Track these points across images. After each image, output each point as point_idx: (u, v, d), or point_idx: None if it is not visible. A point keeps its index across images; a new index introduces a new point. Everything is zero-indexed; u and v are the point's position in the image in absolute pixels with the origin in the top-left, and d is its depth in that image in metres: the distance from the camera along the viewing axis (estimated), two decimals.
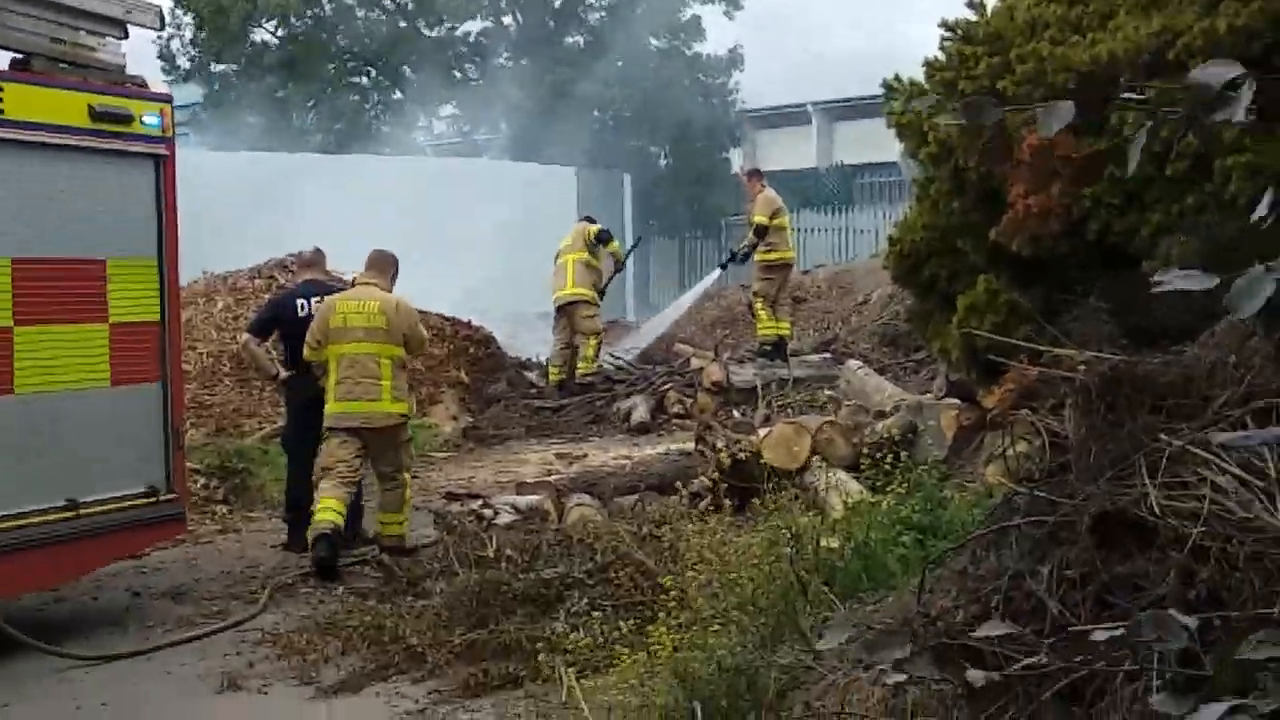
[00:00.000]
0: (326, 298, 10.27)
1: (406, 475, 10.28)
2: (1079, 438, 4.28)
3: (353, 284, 10.50)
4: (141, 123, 8.19)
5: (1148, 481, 3.81)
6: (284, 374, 10.74)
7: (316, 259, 11.18)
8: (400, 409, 10.09)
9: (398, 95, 35.17)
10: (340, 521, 9.64)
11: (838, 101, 39.33)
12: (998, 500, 5.02)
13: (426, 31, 34.24)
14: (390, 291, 10.29)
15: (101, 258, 8.07)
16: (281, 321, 10.69)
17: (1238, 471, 3.71)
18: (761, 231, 17.49)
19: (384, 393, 9.90)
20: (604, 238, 17.83)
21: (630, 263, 28.37)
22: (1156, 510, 3.72)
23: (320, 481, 10.08)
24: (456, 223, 22.19)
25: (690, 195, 34.15)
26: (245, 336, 11.11)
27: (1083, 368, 4.51)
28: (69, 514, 7.81)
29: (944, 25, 7.58)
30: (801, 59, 37.91)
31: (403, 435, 10.28)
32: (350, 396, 9.87)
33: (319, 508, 9.64)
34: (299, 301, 10.60)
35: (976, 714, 3.71)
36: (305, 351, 10.10)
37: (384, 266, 10.42)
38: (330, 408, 9.96)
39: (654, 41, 34.69)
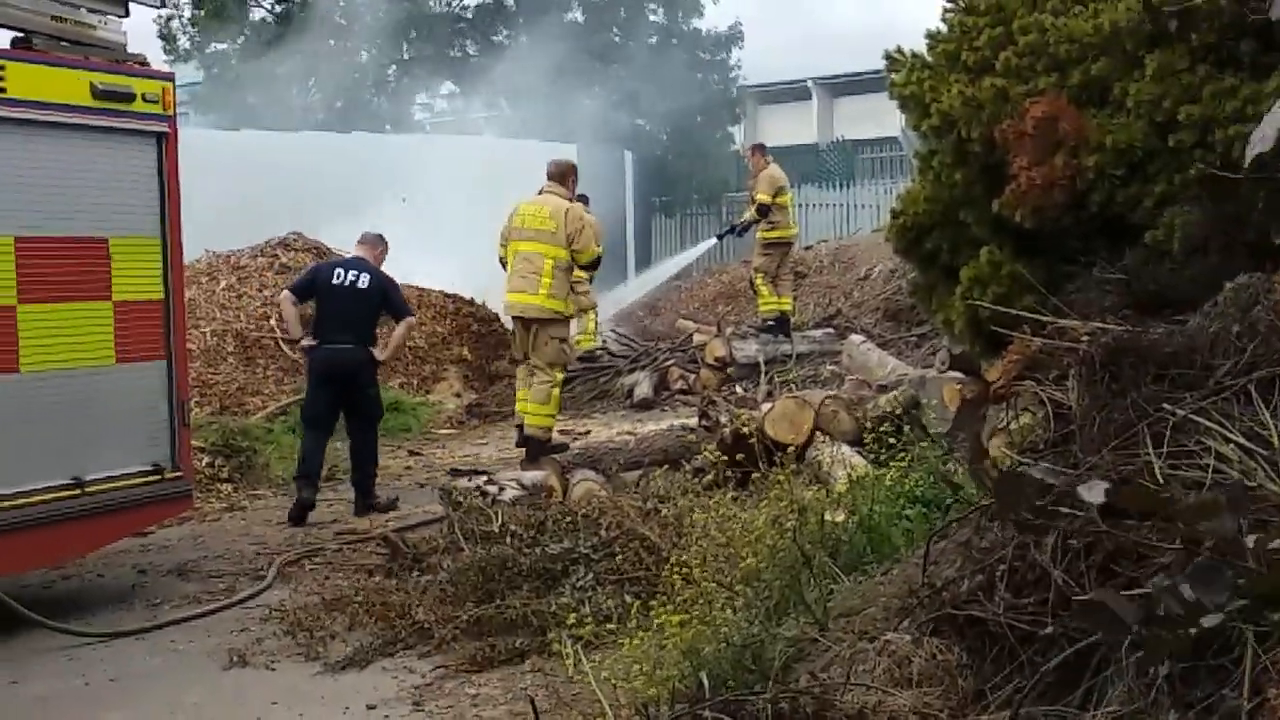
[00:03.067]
0: (516, 201, 11.66)
1: (558, 374, 11.59)
2: (1082, 408, 4.29)
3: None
4: (143, 101, 8.18)
5: (1151, 451, 3.81)
6: (307, 341, 10.94)
7: (373, 241, 11.35)
8: (555, 305, 11.34)
9: (397, 72, 35.04)
10: (539, 426, 11.47)
11: (838, 77, 39.23)
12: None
13: (427, 7, 34.14)
14: (572, 195, 11.65)
15: (104, 236, 8.07)
16: (317, 286, 11.03)
17: (1241, 440, 3.72)
18: (764, 210, 17.43)
19: (541, 288, 11.24)
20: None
21: (631, 239, 28.36)
22: (1161, 479, 3.73)
23: (519, 371, 11.93)
24: (456, 201, 22.14)
25: (691, 171, 34.06)
26: (285, 293, 11.56)
27: (1086, 338, 4.52)
28: (75, 492, 7.83)
29: None
30: (802, 34, 37.76)
31: (556, 330, 11.45)
32: (515, 289, 11.42)
33: (528, 418, 11.55)
34: (337, 270, 10.97)
35: (982, 683, 3.73)
36: (498, 249, 11.73)
37: (563, 175, 11.70)
38: (505, 298, 11.69)
39: (653, 17, 34.56)
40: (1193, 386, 4.02)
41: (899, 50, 7.78)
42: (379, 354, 11.00)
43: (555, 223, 11.26)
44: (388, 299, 10.98)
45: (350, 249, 15.75)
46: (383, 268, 11.12)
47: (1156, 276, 5.91)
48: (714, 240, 24.12)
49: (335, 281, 10.80)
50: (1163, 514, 2.62)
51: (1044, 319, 5.08)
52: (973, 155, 7.02)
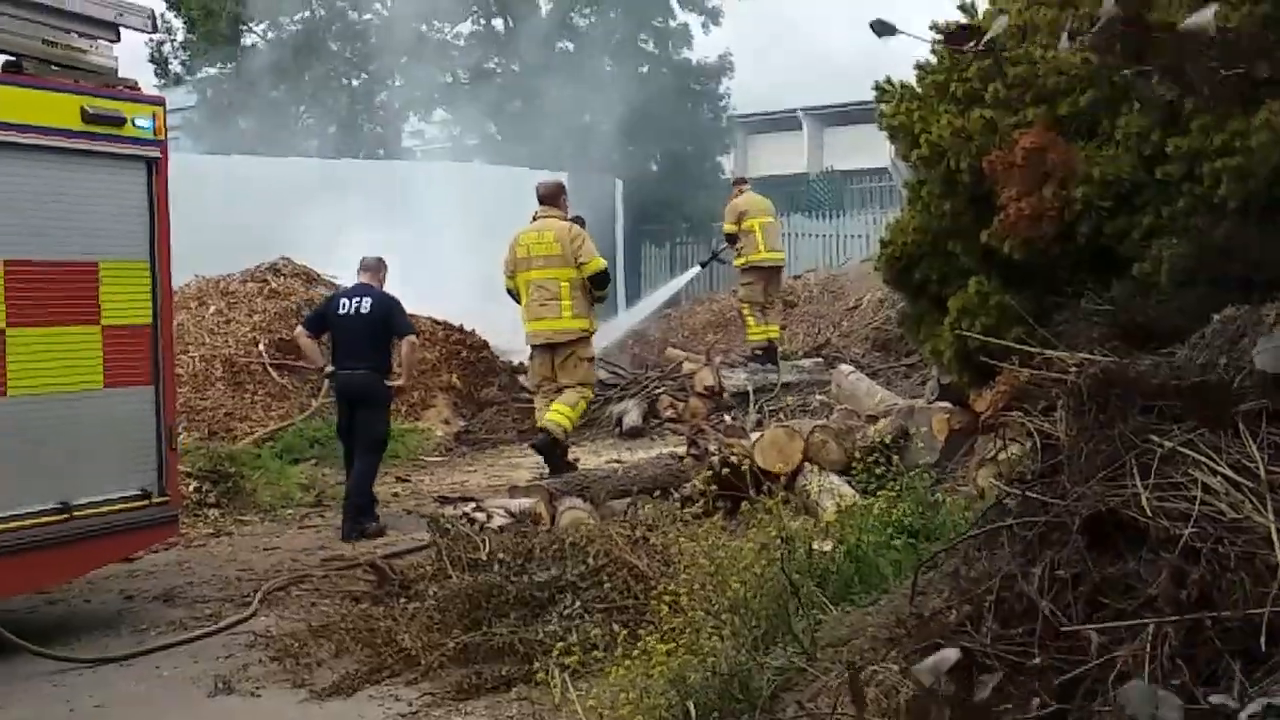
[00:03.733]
0: (516, 233, 11.88)
1: (588, 390, 11.99)
2: (1070, 439, 4.28)
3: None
4: (134, 125, 8.19)
5: (1139, 482, 3.81)
6: (329, 367, 11.51)
7: (374, 266, 11.64)
8: (580, 325, 11.63)
9: (388, 99, 35.07)
10: (559, 424, 11.58)
11: (828, 107, 39.37)
12: (989, 502, 5.03)
13: (419, 34, 34.19)
14: (566, 214, 11.92)
15: (94, 260, 8.07)
16: (327, 317, 11.53)
17: (1228, 472, 3.72)
18: (731, 239, 18.40)
19: (564, 310, 11.53)
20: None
21: (621, 268, 28.41)
22: (1148, 511, 3.73)
23: (536, 398, 12.21)
24: (448, 227, 22.14)
25: (681, 200, 34.11)
26: (299, 329, 12.19)
27: (1074, 370, 4.52)
28: (62, 517, 7.80)
29: (934, 28, 7.59)
30: (793, 65, 37.85)
31: (583, 350, 11.72)
32: (536, 316, 11.64)
33: (549, 412, 11.69)
34: (342, 300, 11.46)
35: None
36: (504, 281, 11.92)
37: (554, 197, 11.98)
38: (525, 328, 11.85)
39: (644, 47, 34.63)
40: (1180, 418, 4.02)
41: (888, 81, 7.82)
42: (396, 381, 11.38)
43: (560, 245, 11.55)
44: (390, 318, 11.26)
45: (339, 274, 15.87)
46: (386, 288, 11.47)
47: (1144, 308, 5.93)
48: (697, 269, 24.53)
49: (342, 311, 11.26)
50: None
51: (1032, 350, 5.09)
52: (962, 186, 7.06)
